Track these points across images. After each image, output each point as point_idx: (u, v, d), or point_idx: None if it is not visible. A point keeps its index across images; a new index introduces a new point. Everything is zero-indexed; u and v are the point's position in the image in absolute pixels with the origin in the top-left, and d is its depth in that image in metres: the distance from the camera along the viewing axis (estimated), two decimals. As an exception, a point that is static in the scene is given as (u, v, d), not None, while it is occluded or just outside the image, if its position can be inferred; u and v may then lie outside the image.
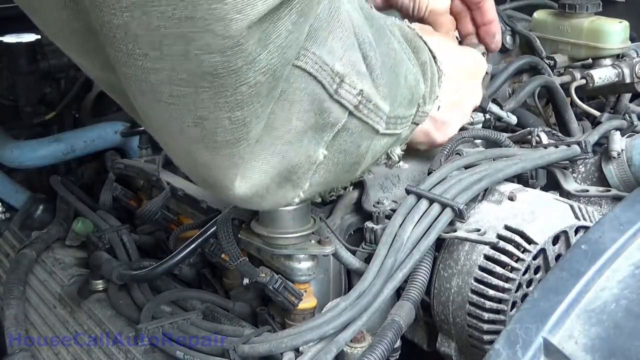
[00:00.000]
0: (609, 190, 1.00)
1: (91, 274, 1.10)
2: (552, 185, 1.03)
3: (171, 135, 0.61)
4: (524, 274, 0.83)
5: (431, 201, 0.86)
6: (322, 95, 0.64)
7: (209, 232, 0.94)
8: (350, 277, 0.96)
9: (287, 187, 0.69)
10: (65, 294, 1.13)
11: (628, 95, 1.37)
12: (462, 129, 1.06)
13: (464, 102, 1.02)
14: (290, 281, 0.87)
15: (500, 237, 0.84)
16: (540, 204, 0.89)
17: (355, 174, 0.80)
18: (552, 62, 1.31)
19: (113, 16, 0.50)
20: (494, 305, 0.83)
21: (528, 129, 1.06)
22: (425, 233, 0.84)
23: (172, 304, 0.98)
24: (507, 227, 0.85)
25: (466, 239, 0.85)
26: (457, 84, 0.97)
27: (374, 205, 0.95)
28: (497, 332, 0.79)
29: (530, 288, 0.84)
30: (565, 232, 0.86)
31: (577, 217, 0.87)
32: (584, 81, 1.24)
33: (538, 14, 1.39)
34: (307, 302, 0.87)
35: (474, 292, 0.84)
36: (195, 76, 0.54)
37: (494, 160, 0.97)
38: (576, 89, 1.23)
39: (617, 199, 0.99)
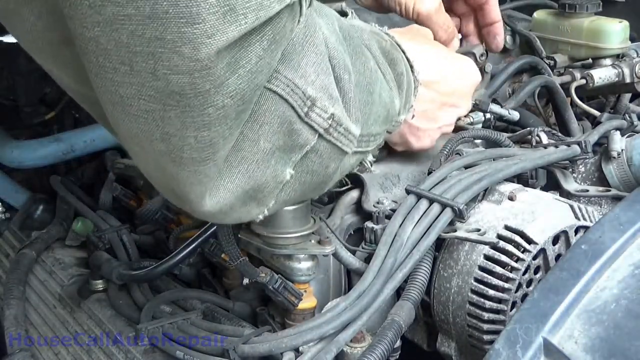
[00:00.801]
0: (609, 190, 1.00)
1: (91, 274, 1.10)
2: (552, 185, 1.02)
3: (141, 146, 0.61)
4: (524, 274, 0.83)
5: (431, 201, 0.86)
6: (292, 117, 0.64)
7: (209, 232, 0.94)
8: (350, 277, 0.96)
9: (252, 204, 0.69)
10: (65, 294, 1.13)
11: (628, 95, 1.37)
12: (462, 129, 1.06)
13: (444, 110, 0.99)
14: (290, 281, 0.87)
15: (500, 237, 0.84)
16: (540, 204, 0.89)
17: (322, 192, 0.80)
18: (552, 62, 1.31)
19: (85, 29, 0.51)
20: (494, 305, 0.83)
21: (528, 129, 1.06)
22: (425, 233, 0.84)
23: (172, 304, 0.98)
24: (507, 227, 0.85)
25: (466, 239, 0.85)
26: (436, 92, 0.95)
27: (374, 205, 0.95)
28: (497, 332, 0.79)
29: (530, 288, 0.84)
30: (565, 232, 0.86)
31: (577, 217, 0.87)
32: (584, 81, 1.24)
33: (538, 14, 1.39)
34: (307, 302, 0.87)
35: (474, 292, 0.84)
36: (163, 94, 0.54)
37: (494, 160, 0.97)
38: (576, 89, 1.23)
39: (617, 199, 0.99)
